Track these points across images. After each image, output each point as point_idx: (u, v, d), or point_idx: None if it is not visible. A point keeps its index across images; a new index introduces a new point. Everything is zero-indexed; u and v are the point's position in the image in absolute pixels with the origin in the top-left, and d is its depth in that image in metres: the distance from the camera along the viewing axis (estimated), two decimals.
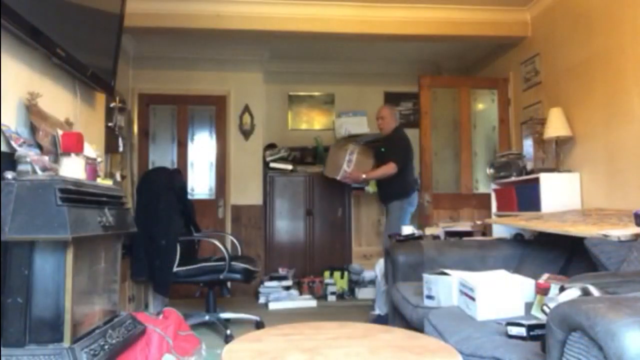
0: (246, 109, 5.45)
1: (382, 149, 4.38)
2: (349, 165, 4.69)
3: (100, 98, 3.25)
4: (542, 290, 1.90)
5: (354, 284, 5.03)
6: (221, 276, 3.44)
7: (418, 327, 2.17)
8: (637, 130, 3.05)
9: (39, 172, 1.87)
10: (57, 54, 2.33)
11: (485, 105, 5.30)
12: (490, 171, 4.38)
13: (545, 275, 2.10)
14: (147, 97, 5.36)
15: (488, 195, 4.42)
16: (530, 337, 1.60)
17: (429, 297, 2.31)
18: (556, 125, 3.64)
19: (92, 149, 2.45)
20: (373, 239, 5.43)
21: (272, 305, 4.57)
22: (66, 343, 1.75)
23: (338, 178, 4.69)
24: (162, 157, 5.41)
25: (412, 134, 5.42)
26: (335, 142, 5.20)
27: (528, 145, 4.38)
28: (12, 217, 1.67)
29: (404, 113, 6.04)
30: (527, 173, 3.92)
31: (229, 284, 3.89)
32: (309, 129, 5.91)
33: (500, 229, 3.98)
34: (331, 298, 4.90)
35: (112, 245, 2.29)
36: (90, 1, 2.73)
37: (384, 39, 4.50)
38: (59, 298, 1.76)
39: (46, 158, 1.99)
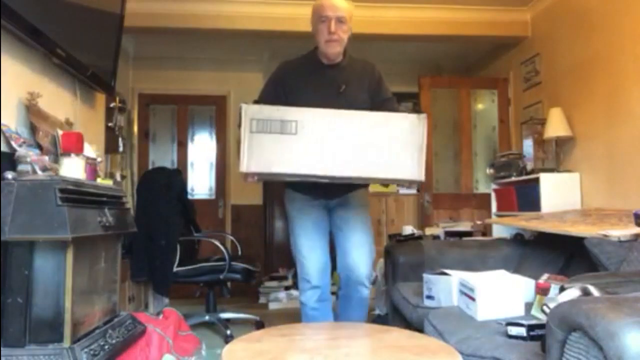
0: None
1: (342, 87, 2.27)
2: None
3: (100, 98, 3.25)
4: (542, 290, 1.90)
5: None
6: (221, 276, 3.44)
7: (418, 327, 2.17)
8: (637, 130, 3.05)
9: (39, 172, 1.87)
10: (57, 54, 2.33)
11: (485, 105, 5.30)
12: (490, 171, 4.38)
13: (545, 275, 2.10)
14: (147, 97, 5.36)
15: (488, 195, 4.42)
16: (530, 337, 1.59)
17: (429, 297, 2.31)
18: (556, 125, 3.64)
19: (92, 149, 2.45)
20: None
21: (272, 305, 4.56)
22: (66, 343, 1.75)
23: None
24: (162, 157, 5.41)
25: None
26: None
27: (528, 145, 4.37)
28: (12, 217, 1.66)
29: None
30: (527, 173, 3.92)
31: (229, 284, 3.88)
32: None
33: (500, 229, 3.98)
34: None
35: (112, 245, 2.29)
36: (90, 1, 2.73)
37: (384, 39, 4.50)
38: (59, 298, 1.76)
39: (46, 158, 1.99)
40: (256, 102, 2.24)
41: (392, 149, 1.84)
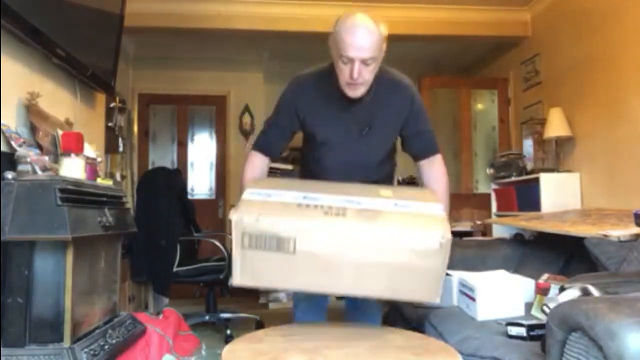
0: (246, 109, 5.45)
1: (366, 127, 1.89)
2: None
3: (100, 98, 3.25)
4: (542, 290, 1.91)
5: None
6: (221, 276, 3.44)
7: (418, 327, 2.17)
8: (637, 131, 3.05)
9: (39, 172, 1.87)
10: (57, 54, 2.33)
11: (485, 105, 5.30)
12: (490, 171, 4.38)
13: (545, 275, 2.11)
14: (147, 97, 5.36)
15: (488, 195, 4.42)
16: (530, 337, 1.60)
17: None
18: (556, 125, 3.65)
19: (92, 149, 2.45)
20: None
21: (272, 305, 4.57)
22: (66, 343, 1.75)
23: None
24: (162, 157, 5.41)
25: None
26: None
27: (528, 145, 4.38)
28: (12, 217, 1.66)
29: None
30: (527, 173, 3.92)
31: (229, 283, 3.88)
32: None
33: (500, 229, 3.97)
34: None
35: (112, 245, 2.29)
36: (90, 1, 2.73)
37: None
38: (59, 298, 1.76)
39: (46, 158, 1.99)
40: (264, 130, 1.99)
41: (406, 272, 1.53)
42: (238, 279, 1.57)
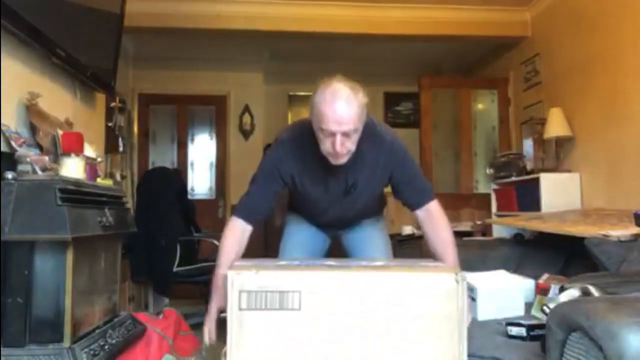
0: (246, 109, 5.45)
1: (351, 186, 1.90)
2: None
3: (100, 98, 3.24)
4: (542, 290, 1.91)
5: None
6: None
7: None
8: (637, 130, 3.05)
9: (39, 172, 1.87)
10: (57, 54, 2.33)
11: (485, 105, 5.30)
12: (490, 171, 4.38)
13: (545, 275, 2.11)
14: (147, 97, 5.36)
15: (488, 195, 4.42)
16: (530, 337, 1.60)
17: None
18: (556, 125, 3.65)
19: (92, 149, 2.45)
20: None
21: None
22: (66, 343, 1.75)
23: None
24: (162, 157, 5.41)
25: (412, 134, 5.43)
26: None
27: (528, 145, 4.37)
28: (12, 217, 1.66)
29: (403, 113, 6.04)
30: (527, 173, 3.92)
31: None
32: None
33: (500, 229, 3.98)
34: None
35: (112, 245, 2.28)
36: (90, 1, 2.73)
37: (384, 39, 4.50)
38: (59, 298, 1.76)
39: (46, 158, 1.99)
40: (247, 192, 1.96)
41: (423, 328, 1.36)
42: (234, 356, 1.32)
